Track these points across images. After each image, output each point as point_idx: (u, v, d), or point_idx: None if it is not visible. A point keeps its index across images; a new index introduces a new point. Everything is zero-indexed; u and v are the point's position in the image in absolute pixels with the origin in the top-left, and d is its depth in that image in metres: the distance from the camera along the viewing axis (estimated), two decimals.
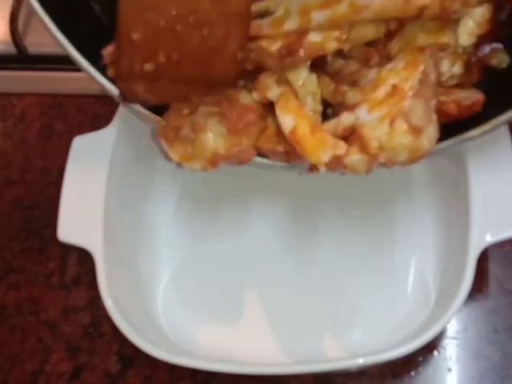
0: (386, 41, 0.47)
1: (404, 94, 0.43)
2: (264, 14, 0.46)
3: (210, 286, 0.57)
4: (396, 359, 0.49)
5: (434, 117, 0.44)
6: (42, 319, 0.59)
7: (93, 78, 0.47)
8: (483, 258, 0.54)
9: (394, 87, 0.44)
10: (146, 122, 0.49)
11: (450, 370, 0.54)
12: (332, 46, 0.45)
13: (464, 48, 0.46)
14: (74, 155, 0.57)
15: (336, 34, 0.45)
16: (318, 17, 0.44)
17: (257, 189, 0.61)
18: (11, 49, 0.70)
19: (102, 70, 0.47)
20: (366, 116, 0.44)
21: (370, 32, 0.46)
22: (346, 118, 0.45)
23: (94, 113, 0.69)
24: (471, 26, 0.46)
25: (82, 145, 0.57)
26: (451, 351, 0.54)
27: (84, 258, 0.55)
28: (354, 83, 0.47)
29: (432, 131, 0.43)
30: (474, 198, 0.51)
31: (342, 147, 0.43)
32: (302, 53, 0.45)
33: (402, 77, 0.44)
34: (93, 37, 0.48)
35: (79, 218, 0.54)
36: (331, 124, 0.46)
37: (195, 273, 0.58)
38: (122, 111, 0.58)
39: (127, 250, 0.57)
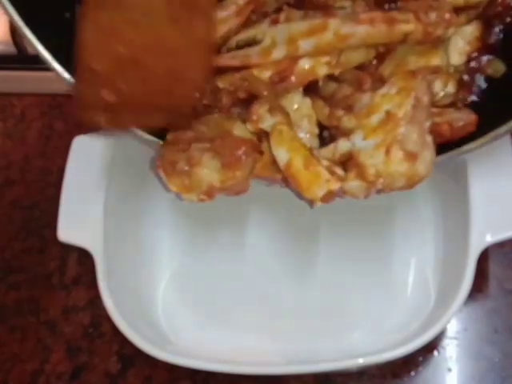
0: (377, 63, 0.48)
1: (398, 120, 0.44)
2: (252, 43, 0.47)
3: (209, 286, 0.57)
4: (396, 359, 0.49)
5: (430, 139, 0.44)
6: (42, 319, 0.59)
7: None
8: (483, 258, 0.54)
9: (388, 114, 0.44)
10: (150, 146, 0.50)
11: (449, 370, 0.54)
12: (323, 71, 0.46)
13: (455, 67, 0.47)
14: (74, 155, 0.57)
15: (326, 59, 0.46)
16: (304, 45, 0.45)
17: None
18: (11, 49, 0.70)
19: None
20: (361, 143, 0.45)
21: (359, 56, 0.47)
22: (342, 145, 0.46)
23: None
24: (461, 45, 0.47)
25: (81, 145, 0.57)
26: (451, 351, 0.54)
27: (84, 257, 0.55)
28: (348, 107, 0.47)
29: (428, 156, 0.44)
30: (474, 198, 0.51)
31: (335, 184, 0.44)
32: (293, 79, 0.46)
33: (395, 103, 0.45)
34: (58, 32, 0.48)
35: (79, 218, 0.54)
36: (328, 150, 0.47)
37: (195, 273, 0.58)
38: None
39: (127, 250, 0.57)
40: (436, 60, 0.46)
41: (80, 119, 0.45)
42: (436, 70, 0.46)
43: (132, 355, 0.56)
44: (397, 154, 0.43)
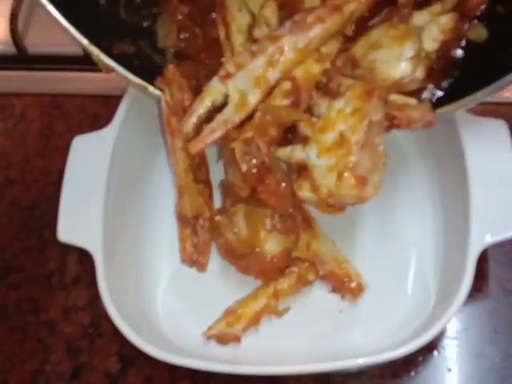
0: (349, 44, 0.50)
1: (350, 146, 0.46)
2: (215, 111, 0.49)
3: (209, 286, 0.57)
4: (396, 359, 0.49)
5: (381, 159, 0.46)
6: (42, 319, 0.59)
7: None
8: (483, 258, 0.54)
9: (342, 136, 0.46)
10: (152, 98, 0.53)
11: (449, 370, 0.54)
12: (316, 69, 0.49)
13: (427, 53, 0.48)
14: (74, 155, 0.57)
15: (313, 58, 0.48)
16: (274, 75, 0.47)
17: None
18: (11, 49, 0.70)
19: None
20: (315, 159, 0.47)
21: (336, 44, 0.49)
22: (298, 153, 0.48)
23: (94, 113, 0.69)
24: (435, 32, 0.48)
25: (81, 145, 0.57)
26: (451, 351, 0.54)
27: (84, 257, 0.55)
28: (307, 109, 0.49)
29: (377, 177, 0.46)
30: (474, 198, 0.51)
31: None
32: (304, 93, 0.49)
33: (349, 125, 0.46)
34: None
35: (79, 218, 0.54)
36: (284, 152, 0.49)
37: (195, 273, 0.58)
38: (122, 111, 0.58)
39: (127, 250, 0.57)
40: (409, 44, 0.48)
41: None
42: (392, 88, 0.48)
43: (132, 355, 0.56)
44: (348, 179, 0.46)
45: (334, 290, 0.54)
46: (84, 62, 0.70)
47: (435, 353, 0.54)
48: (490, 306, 0.56)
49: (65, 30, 0.50)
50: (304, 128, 0.49)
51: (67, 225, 0.54)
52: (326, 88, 0.49)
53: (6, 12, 0.71)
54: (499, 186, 0.52)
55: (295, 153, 0.49)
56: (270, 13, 0.50)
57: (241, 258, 0.54)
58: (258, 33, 0.50)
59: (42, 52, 0.71)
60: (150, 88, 0.53)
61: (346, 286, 0.54)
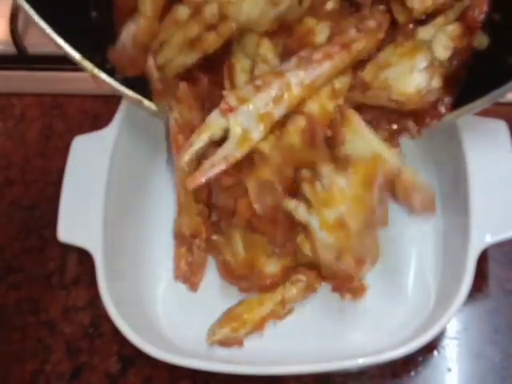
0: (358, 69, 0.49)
1: (349, 232, 0.48)
2: (214, 145, 0.48)
3: (209, 286, 0.57)
4: (396, 359, 0.49)
5: (377, 242, 0.50)
6: (42, 319, 0.59)
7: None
8: (483, 258, 0.54)
9: (342, 220, 0.48)
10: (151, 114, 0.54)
11: (449, 370, 0.54)
12: (330, 106, 0.48)
13: (441, 62, 0.48)
14: (74, 155, 0.57)
15: (325, 94, 0.48)
16: (278, 111, 0.46)
17: None
18: (11, 49, 0.70)
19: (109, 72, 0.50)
20: (318, 229, 0.49)
21: (346, 79, 0.49)
22: (302, 214, 0.49)
23: (94, 113, 0.69)
24: (445, 39, 0.48)
25: (82, 145, 0.57)
26: (451, 351, 0.54)
27: (84, 257, 0.55)
28: (310, 178, 0.49)
29: (375, 256, 0.50)
30: (474, 198, 0.51)
31: None
32: (319, 129, 0.48)
33: (350, 210, 0.48)
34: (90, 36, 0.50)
35: (79, 218, 0.54)
36: (290, 205, 0.49)
37: None
38: (122, 111, 0.58)
39: (127, 250, 0.57)
40: (420, 55, 0.48)
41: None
42: (394, 174, 0.48)
43: (132, 355, 0.56)
44: (347, 261, 0.48)
45: (335, 289, 0.54)
46: None
47: (435, 353, 0.54)
48: (490, 306, 0.56)
49: (57, 45, 0.50)
50: (307, 192, 0.49)
51: (67, 225, 0.54)
52: (330, 142, 0.49)
53: (5, 12, 0.71)
54: (499, 186, 0.52)
55: (299, 211, 0.49)
56: (266, 50, 0.49)
57: (241, 279, 0.54)
58: (257, 71, 0.49)
59: (42, 52, 0.71)
60: (146, 102, 0.53)
61: (347, 286, 0.53)
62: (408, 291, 0.55)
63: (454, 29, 0.48)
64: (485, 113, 0.56)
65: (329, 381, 0.54)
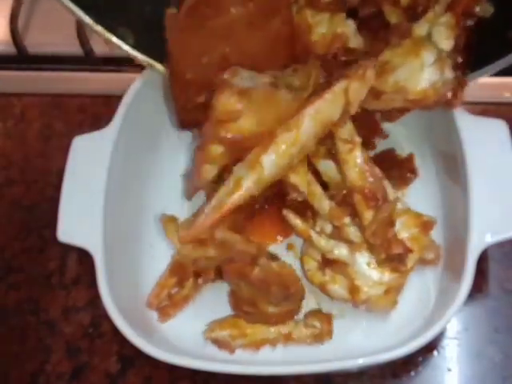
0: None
1: (404, 274, 0.52)
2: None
3: (210, 286, 0.57)
4: (396, 359, 0.49)
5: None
6: (42, 319, 0.59)
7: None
8: (483, 258, 0.54)
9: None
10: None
11: (449, 370, 0.54)
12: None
13: (447, 53, 0.48)
14: (74, 155, 0.57)
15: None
16: (267, 163, 0.48)
17: None
18: (11, 49, 0.70)
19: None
20: (364, 267, 0.51)
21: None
22: (341, 252, 0.52)
23: (94, 113, 0.69)
24: (444, 30, 0.48)
25: (82, 145, 0.57)
26: (451, 351, 0.54)
27: (84, 257, 0.55)
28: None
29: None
30: (474, 198, 0.51)
31: None
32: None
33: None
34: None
35: (79, 218, 0.54)
36: (325, 244, 0.52)
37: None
38: (122, 111, 0.58)
39: (127, 250, 0.57)
40: (425, 51, 0.48)
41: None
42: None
43: (132, 355, 0.56)
44: (393, 296, 0.52)
45: None
46: (84, 62, 0.70)
47: (435, 353, 0.54)
48: (490, 306, 0.56)
49: (69, 10, 0.50)
50: (352, 235, 0.51)
51: (67, 225, 0.54)
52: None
53: (6, 12, 0.71)
54: (499, 185, 0.52)
55: (340, 252, 0.52)
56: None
57: (247, 313, 0.53)
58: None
59: (42, 52, 0.71)
60: (157, 65, 0.54)
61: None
62: (408, 291, 0.55)
63: (448, 19, 0.48)
64: (485, 113, 0.56)
65: (329, 381, 0.54)
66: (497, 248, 0.56)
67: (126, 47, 0.53)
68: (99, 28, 0.51)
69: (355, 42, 0.50)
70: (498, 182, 0.52)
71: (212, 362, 0.51)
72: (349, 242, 0.51)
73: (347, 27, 0.50)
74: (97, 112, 0.69)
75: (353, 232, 0.51)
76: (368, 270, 0.51)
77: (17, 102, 0.71)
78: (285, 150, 0.47)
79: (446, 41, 0.48)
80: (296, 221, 0.52)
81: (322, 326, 0.53)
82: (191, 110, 0.53)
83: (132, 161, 0.59)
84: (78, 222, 0.54)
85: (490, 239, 0.50)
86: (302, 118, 0.47)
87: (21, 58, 0.71)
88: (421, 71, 0.48)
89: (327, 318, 0.53)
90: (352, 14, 0.51)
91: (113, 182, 0.55)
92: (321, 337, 0.53)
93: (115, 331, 0.51)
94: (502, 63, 0.49)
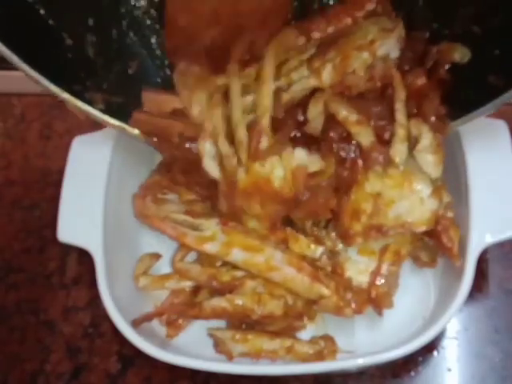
0: None
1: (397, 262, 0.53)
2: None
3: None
4: (396, 359, 0.49)
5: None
6: (41, 319, 0.59)
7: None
8: (483, 258, 0.54)
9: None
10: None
11: (449, 370, 0.54)
12: None
13: (441, 179, 0.49)
14: (74, 155, 0.57)
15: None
16: (237, 256, 0.51)
17: None
18: None
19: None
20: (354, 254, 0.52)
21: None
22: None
23: None
24: (430, 157, 0.48)
25: (82, 145, 0.57)
26: (451, 351, 0.54)
27: (84, 257, 0.55)
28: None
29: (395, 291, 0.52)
30: (474, 198, 0.51)
31: None
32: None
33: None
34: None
35: (79, 218, 0.54)
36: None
37: None
38: None
39: (127, 250, 0.57)
40: (418, 184, 0.49)
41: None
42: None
43: (132, 355, 0.56)
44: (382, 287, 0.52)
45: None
46: None
47: (435, 353, 0.54)
48: (490, 306, 0.56)
49: (35, 80, 0.48)
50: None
51: (67, 225, 0.54)
52: None
53: None
54: (499, 186, 0.52)
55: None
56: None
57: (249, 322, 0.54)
58: None
59: None
60: (129, 128, 0.52)
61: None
62: (408, 291, 0.55)
63: (430, 141, 0.48)
64: None
65: (329, 381, 0.54)
66: (497, 248, 0.56)
67: (95, 112, 0.51)
68: (66, 95, 0.49)
69: (317, 165, 0.49)
70: (498, 182, 0.52)
71: (212, 361, 0.51)
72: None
73: (300, 159, 0.48)
74: None
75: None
76: (357, 256, 0.51)
77: (17, 102, 0.71)
78: None
79: (436, 168, 0.48)
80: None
81: (326, 345, 0.52)
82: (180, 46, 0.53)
83: (132, 161, 0.59)
84: (78, 222, 0.54)
85: (490, 239, 0.50)
86: None
87: None
88: (422, 204, 0.48)
89: (332, 340, 0.53)
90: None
91: (113, 182, 0.55)
92: (323, 355, 0.52)
93: (115, 331, 0.51)
94: (485, 110, 0.46)
